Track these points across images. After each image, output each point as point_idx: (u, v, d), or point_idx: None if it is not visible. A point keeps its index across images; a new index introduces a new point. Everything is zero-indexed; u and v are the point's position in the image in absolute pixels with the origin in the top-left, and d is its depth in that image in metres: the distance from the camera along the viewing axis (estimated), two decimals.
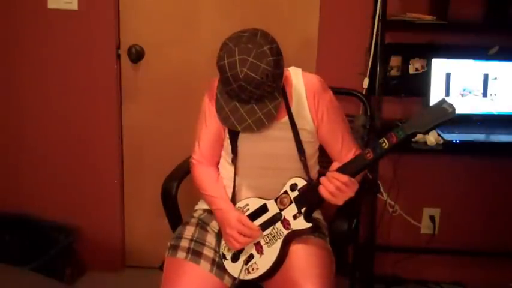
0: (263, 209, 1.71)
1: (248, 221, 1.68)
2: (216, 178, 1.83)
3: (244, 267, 1.64)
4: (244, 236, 1.65)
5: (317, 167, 1.85)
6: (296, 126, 1.71)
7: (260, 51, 1.51)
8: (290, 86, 1.74)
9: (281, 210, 1.68)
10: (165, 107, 2.57)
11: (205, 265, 1.67)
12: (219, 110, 1.62)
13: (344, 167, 1.60)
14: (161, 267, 1.74)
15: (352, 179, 1.56)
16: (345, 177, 1.55)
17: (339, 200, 1.57)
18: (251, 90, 1.52)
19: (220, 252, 1.72)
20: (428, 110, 1.53)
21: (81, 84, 2.52)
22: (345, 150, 1.79)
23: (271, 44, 1.54)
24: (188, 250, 1.70)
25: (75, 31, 2.46)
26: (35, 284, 2.19)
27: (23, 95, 2.56)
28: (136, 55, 2.48)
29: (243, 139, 1.73)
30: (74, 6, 2.43)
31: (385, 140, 1.53)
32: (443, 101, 1.51)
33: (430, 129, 1.51)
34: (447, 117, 1.48)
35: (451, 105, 1.49)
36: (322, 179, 1.58)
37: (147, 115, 2.58)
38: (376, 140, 1.56)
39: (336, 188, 1.54)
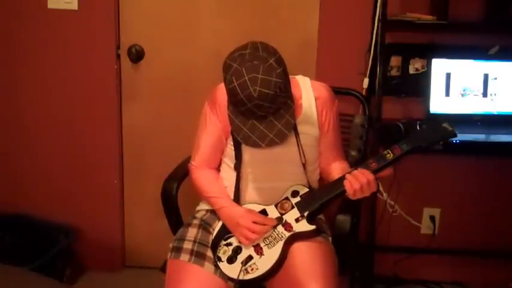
0: (262, 213, 1.71)
1: (258, 213, 1.70)
2: (215, 178, 1.83)
3: (243, 267, 1.63)
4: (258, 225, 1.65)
5: (318, 172, 1.85)
6: (298, 132, 1.71)
7: (267, 65, 1.48)
8: (299, 94, 1.74)
9: (282, 214, 1.68)
10: (165, 107, 2.57)
11: (209, 267, 1.67)
12: (237, 130, 1.57)
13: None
14: (162, 269, 1.73)
15: (376, 181, 1.61)
16: (371, 175, 1.59)
17: (355, 197, 1.61)
18: (268, 106, 1.50)
19: (216, 255, 1.70)
20: (431, 127, 1.63)
21: (81, 84, 2.52)
22: (332, 163, 1.85)
23: (274, 55, 1.52)
24: (191, 252, 1.69)
25: (75, 31, 2.46)
26: (35, 284, 2.19)
27: (22, 95, 2.56)
28: (136, 55, 2.49)
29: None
30: (74, 6, 2.43)
31: (390, 152, 1.61)
32: (441, 121, 1.63)
33: (432, 145, 1.62)
34: (449, 136, 1.61)
35: (450, 125, 1.61)
36: (348, 175, 1.60)
37: (147, 115, 2.58)
38: (381, 151, 1.64)
39: (360, 186, 1.58)
